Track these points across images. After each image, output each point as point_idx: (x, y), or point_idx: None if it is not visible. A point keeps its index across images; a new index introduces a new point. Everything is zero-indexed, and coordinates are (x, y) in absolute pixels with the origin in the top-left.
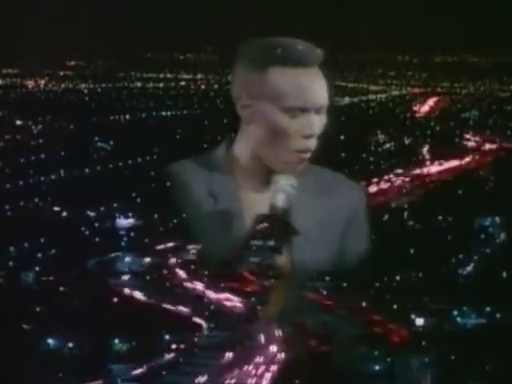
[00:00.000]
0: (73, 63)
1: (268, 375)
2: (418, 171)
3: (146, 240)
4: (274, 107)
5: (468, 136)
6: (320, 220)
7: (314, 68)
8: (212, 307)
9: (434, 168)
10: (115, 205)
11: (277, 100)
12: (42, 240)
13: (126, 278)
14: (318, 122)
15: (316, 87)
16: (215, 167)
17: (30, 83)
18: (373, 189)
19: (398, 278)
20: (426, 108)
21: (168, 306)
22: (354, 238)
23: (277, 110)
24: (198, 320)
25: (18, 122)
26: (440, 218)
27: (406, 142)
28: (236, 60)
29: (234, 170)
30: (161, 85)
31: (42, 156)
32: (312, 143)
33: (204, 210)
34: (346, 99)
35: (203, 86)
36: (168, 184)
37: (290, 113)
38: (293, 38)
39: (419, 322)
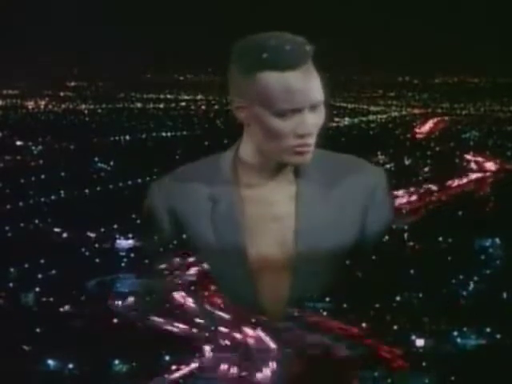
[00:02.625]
0: (73, 84)
1: None
2: (417, 192)
3: (146, 261)
4: (265, 111)
5: (468, 157)
6: (332, 209)
7: (304, 67)
8: (212, 328)
9: (434, 189)
10: (115, 226)
11: (266, 104)
12: (42, 261)
13: (125, 298)
14: (311, 120)
15: (306, 87)
16: (220, 167)
17: (31, 104)
18: None
19: (398, 298)
20: (426, 129)
21: (168, 327)
22: (374, 218)
23: (268, 114)
24: (197, 341)
25: (19, 143)
26: (440, 238)
27: (406, 162)
28: (230, 61)
29: (239, 169)
30: (161, 105)
31: (43, 177)
32: (308, 140)
33: (204, 213)
34: (346, 120)
35: (203, 107)
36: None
37: (280, 115)
38: (285, 34)
39: (419, 342)
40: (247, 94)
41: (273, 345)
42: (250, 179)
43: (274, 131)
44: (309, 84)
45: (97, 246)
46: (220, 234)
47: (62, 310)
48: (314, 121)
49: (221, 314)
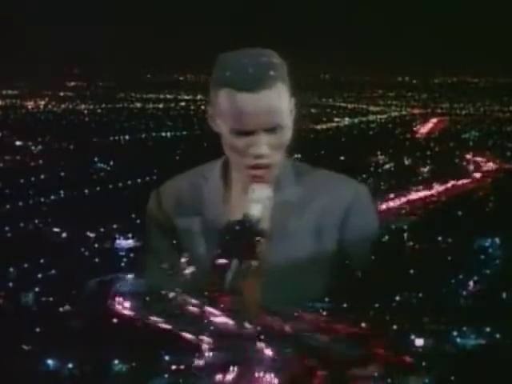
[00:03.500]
0: (73, 84)
1: None
2: (417, 192)
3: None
4: (224, 125)
5: (468, 157)
6: (306, 221)
7: (263, 91)
8: (211, 328)
9: (434, 189)
10: (115, 226)
11: (223, 120)
12: (42, 261)
13: (125, 298)
14: (267, 141)
15: (260, 111)
16: (214, 174)
17: (30, 104)
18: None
19: (397, 298)
20: (425, 129)
21: (167, 327)
22: (354, 227)
23: (225, 129)
24: (197, 341)
25: (18, 143)
26: (440, 238)
27: (406, 162)
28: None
29: (229, 175)
30: (161, 105)
31: (42, 177)
32: (263, 161)
33: (194, 216)
34: (346, 120)
35: (203, 107)
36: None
37: (234, 134)
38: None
39: (419, 342)
40: (214, 105)
41: (269, 347)
42: (236, 186)
43: (231, 146)
44: (265, 108)
45: (97, 245)
46: (206, 239)
47: (61, 309)
48: (269, 142)
49: (219, 312)
